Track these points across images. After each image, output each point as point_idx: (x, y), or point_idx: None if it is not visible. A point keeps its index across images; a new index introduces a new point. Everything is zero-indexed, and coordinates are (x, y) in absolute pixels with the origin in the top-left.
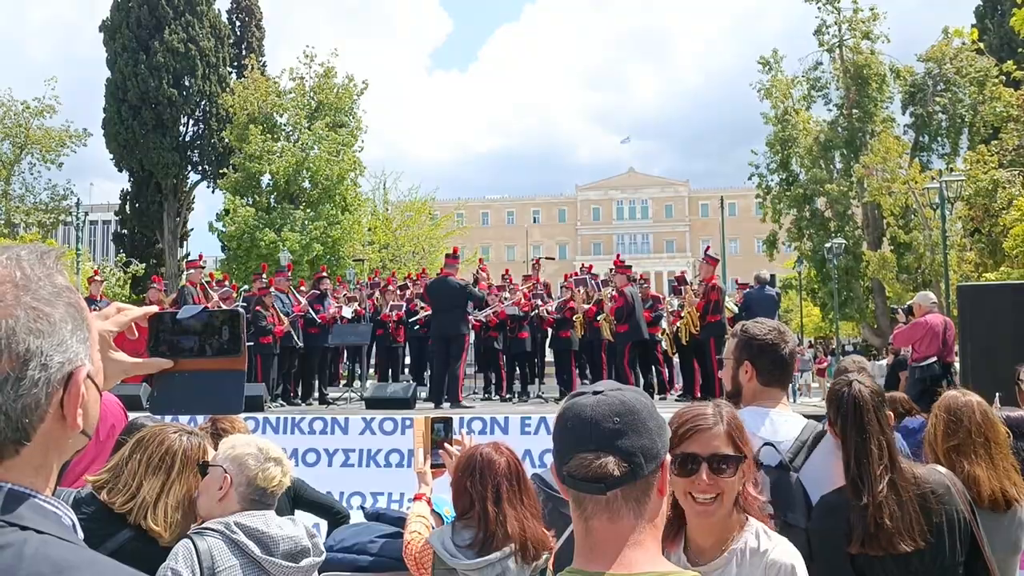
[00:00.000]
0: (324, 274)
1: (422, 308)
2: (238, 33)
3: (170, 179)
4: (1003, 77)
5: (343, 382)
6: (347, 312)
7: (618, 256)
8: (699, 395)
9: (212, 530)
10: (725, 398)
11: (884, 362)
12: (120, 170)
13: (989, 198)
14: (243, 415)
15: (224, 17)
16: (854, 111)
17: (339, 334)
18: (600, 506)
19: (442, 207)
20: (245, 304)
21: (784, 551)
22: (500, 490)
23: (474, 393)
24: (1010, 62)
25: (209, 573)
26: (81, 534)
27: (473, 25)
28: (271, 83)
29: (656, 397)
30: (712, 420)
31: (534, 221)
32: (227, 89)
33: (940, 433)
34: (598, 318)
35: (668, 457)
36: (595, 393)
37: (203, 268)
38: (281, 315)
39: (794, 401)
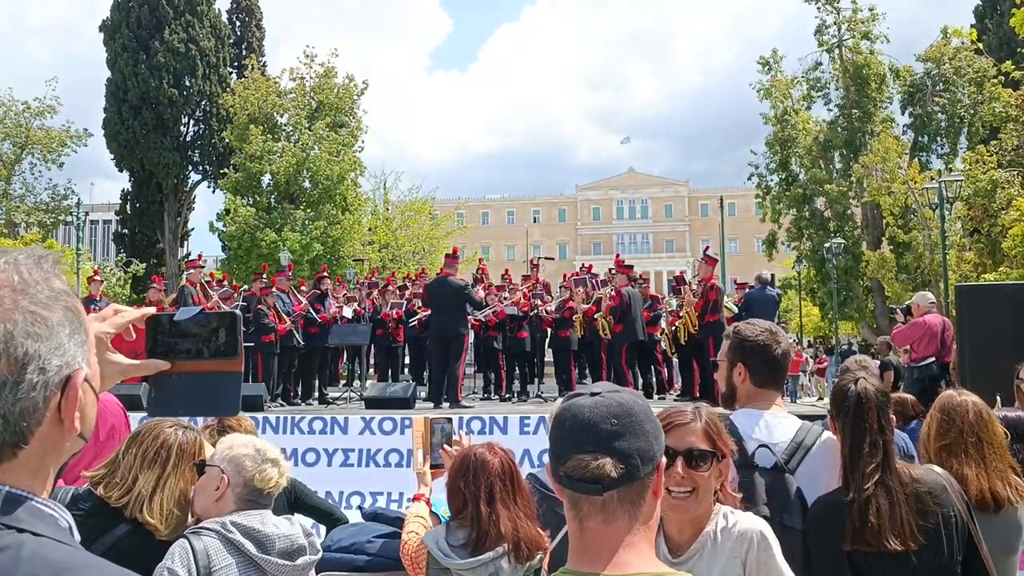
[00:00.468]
0: (325, 274)
1: (420, 308)
2: (238, 33)
3: (170, 179)
4: (1002, 77)
5: (343, 382)
6: (347, 312)
7: (619, 256)
8: (698, 395)
9: (208, 529)
10: (721, 400)
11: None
12: (120, 170)
13: (988, 198)
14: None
15: (224, 17)
16: (853, 111)
17: (339, 334)
18: (596, 507)
19: (442, 207)
20: (246, 303)
21: (750, 520)
22: (493, 490)
23: (473, 393)
24: (1009, 62)
25: (205, 572)
26: (78, 536)
27: (473, 25)
28: (271, 83)
29: (655, 397)
30: (690, 417)
31: (534, 221)
32: (227, 89)
33: (933, 432)
34: (596, 317)
35: (663, 460)
36: (593, 395)
37: (203, 268)
38: (282, 314)
39: (793, 401)
